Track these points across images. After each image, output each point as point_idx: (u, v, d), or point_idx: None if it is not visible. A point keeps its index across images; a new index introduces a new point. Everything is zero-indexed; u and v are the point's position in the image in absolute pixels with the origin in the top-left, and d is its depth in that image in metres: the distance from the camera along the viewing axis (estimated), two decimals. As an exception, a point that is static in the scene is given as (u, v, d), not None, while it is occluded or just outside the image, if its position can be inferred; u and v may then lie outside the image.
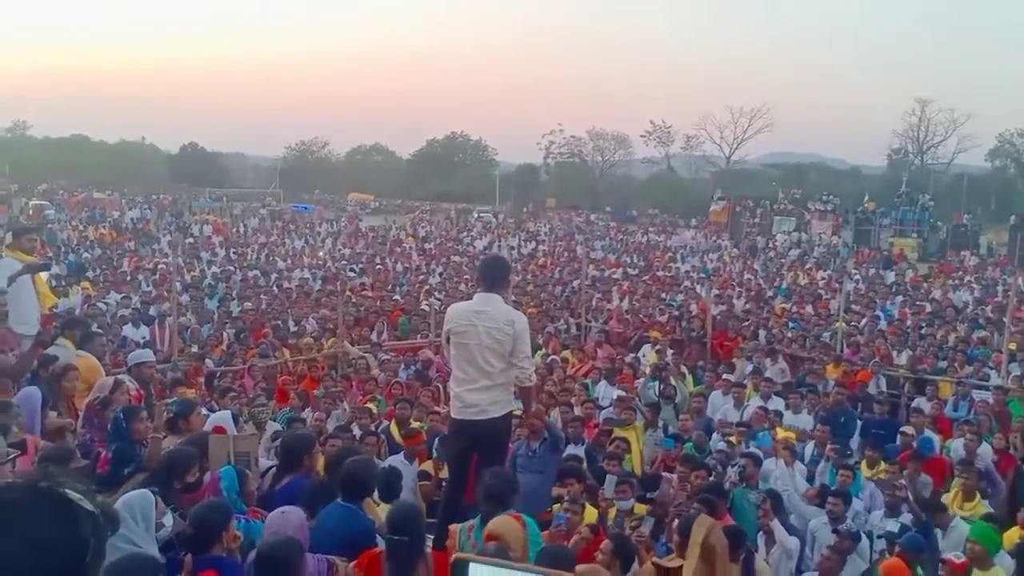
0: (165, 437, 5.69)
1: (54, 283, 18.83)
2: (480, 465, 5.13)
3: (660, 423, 9.67)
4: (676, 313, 17.09)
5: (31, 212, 38.63)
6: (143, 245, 31.02)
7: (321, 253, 29.71)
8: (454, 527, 4.89)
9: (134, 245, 30.79)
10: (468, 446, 5.37)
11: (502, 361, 5.27)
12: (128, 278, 21.37)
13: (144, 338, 14.18)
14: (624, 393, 10.58)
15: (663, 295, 20.06)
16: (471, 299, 5.79)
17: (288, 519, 4.12)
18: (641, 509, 6.27)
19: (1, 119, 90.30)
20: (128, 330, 14.60)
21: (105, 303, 17.01)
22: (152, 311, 16.05)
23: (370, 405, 9.99)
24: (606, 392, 11.32)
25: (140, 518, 3.98)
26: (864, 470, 8.57)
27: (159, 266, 22.92)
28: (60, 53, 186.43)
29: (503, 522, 4.13)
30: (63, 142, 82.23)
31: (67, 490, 1.40)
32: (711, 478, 7.37)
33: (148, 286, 19.95)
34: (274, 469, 5.34)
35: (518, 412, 6.21)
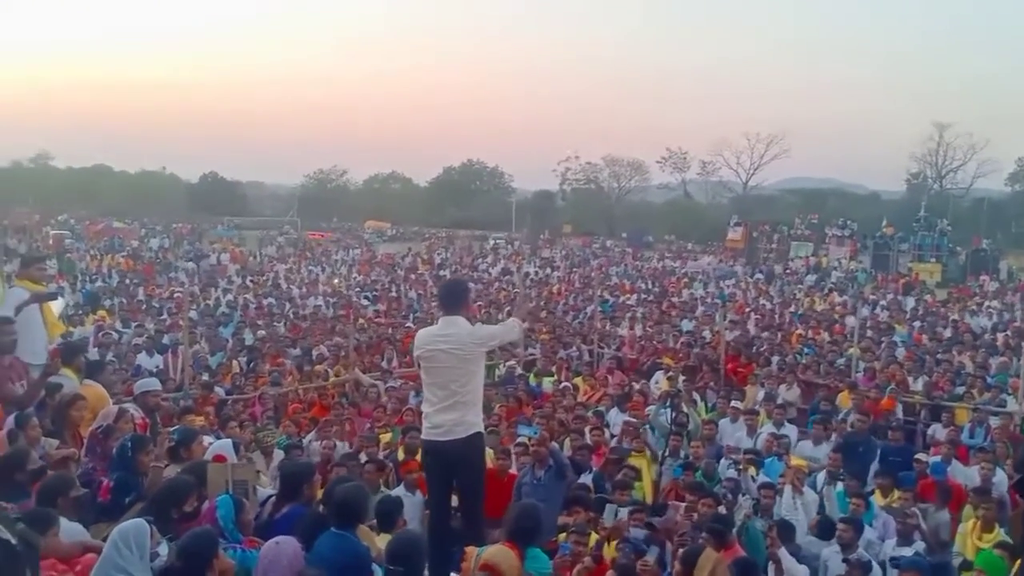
0: (167, 466, 5.68)
1: (71, 312, 19.04)
2: (459, 491, 5.23)
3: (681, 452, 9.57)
4: (689, 339, 16.99)
5: (51, 241, 39.01)
6: (159, 274, 31.29)
7: (335, 281, 29.83)
8: (471, 549, 4.87)
9: (156, 274, 31.08)
10: (442, 470, 5.50)
11: (467, 380, 5.47)
12: (144, 307, 21.52)
13: (158, 366, 14.25)
14: (632, 419, 10.51)
15: (676, 321, 19.95)
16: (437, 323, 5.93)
17: (282, 549, 4.08)
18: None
19: (25, 150, 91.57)
20: (142, 358, 14.66)
21: (119, 332, 17.11)
22: (166, 339, 16.13)
23: (387, 435, 9.94)
24: (617, 419, 11.24)
25: (135, 547, 3.94)
26: (878, 498, 8.43)
27: (175, 294, 23.07)
28: (82, 86, 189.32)
29: (498, 551, 4.09)
30: (85, 172, 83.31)
31: None
32: (720, 507, 7.27)
33: (163, 315, 20.06)
34: (273, 498, 5.31)
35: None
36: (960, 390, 12.78)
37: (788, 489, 7.94)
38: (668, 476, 8.96)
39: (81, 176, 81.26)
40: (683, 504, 7.35)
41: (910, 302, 26.84)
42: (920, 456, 9.50)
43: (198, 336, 16.10)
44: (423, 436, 5.72)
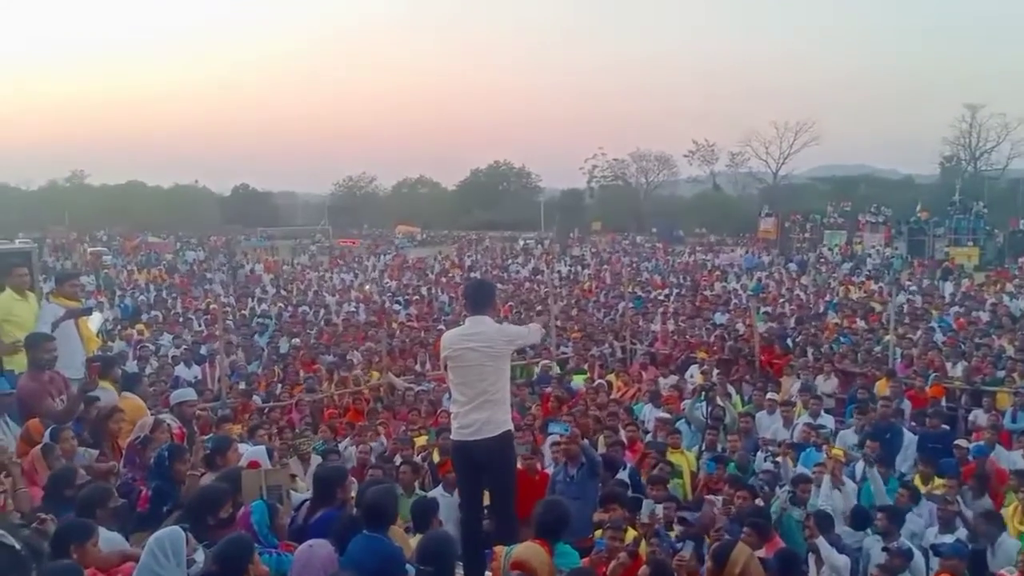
0: (203, 474, 5.77)
1: (109, 327, 19.38)
2: (490, 490, 5.20)
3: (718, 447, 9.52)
4: (722, 332, 16.87)
5: (88, 258, 39.68)
6: (195, 286, 31.73)
7: (367, 287, 30.03)
8: (500, 549, 4.89)
9: (192, 286, 31.52)
10: (473, 470, 5.48)
11: (495, 379, 5.47)
12: (181, 319, 21.84)
13: (196, 377, 14.46)
14: (666, 415, 10.45)
15: (709, 315, 19.82)
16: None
17: (315, 552, 4.13)
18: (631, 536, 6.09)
19: (60, 170, 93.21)
20: (180, 369, 14.89)
21: (157, 344, 17.39)
22: (203, 350, 16.35)
23: (421, 438, 10.01)
24: (651, 415, 11.20)
25: (171, 554, 4.01)
26: (919, 485, 8.31)
27: (211, 306, 23.40)
28: (113, 104, 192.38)
29: (527, 549, 4.09)
30: (119, 189, 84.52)
31: None
32: (756, 499, 7.21)
33: (200, 326, 20.34)
34: (307, 502, 5.37)
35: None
36: (1001, 374, 12.55)
37: (826, 479, 7.85)
38: (703, 470, 8.92)
39: (115, 193, 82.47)
40: (719, 498, 7.30)
41: (948, 287, 26.41)
42: (960, 442, 9.34)
43: (234, 346, 16.31)
44: (452, 436, 5.71)
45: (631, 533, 6.20)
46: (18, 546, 1.38)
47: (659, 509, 6.88)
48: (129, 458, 6.10)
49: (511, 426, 5.77)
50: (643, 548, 5.79)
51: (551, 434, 8.64)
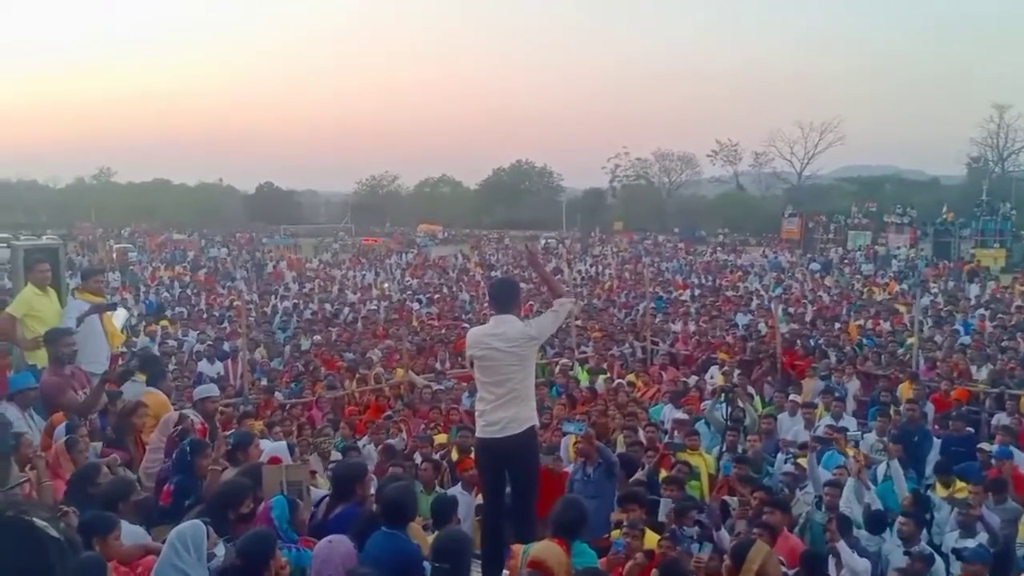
0: (225, 469, 5.83)
1: (134, 323, 19.57)
2: (513, 487, 5.19)
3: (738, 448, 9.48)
4: (743, 333, 16.79)
5: (115, 255, 40.08)
6: (219, 283, 31.99)
7: (387, 285, 30.12)
8: (517, 547, 4.90)
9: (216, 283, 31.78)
10: (496, 467, 5.47)
11: (520, 376, 5.46)
12: (205, 315, 22.02)
13: (219, 373, 14.58)
14: (684, 416, 10.42)
15: (729, 315, 19.73)
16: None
17: (335, 548, 4.17)
18: (652, 539, 6.07)
19: (88, 167, 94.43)
20: (203, 366, 15.01)
21: (181, 340, 17.56)
22: (226, 346, 16.48)
23: (441, 436, 10.05)
24: (671, 415, 11.17)
25: (192, 548, 4.06)
26: (939, 490, 8.24)
27: (234, 303, 23.56)
28: (141, 103, 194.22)
29: (545, 547, 4.10)
30: (145, 186, 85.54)
31: (33, 518, 1.45)
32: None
33: (224, 322, 20.50)
34: (327, 498, 5.41)
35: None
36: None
37: (850, 481, 7.79)
38: (720, 472, 8.89)
39: (142, 190, 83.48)
40: (735, 499, 7.28)
41: (974, 289, 26.12)
42: (983, 446, 9.24)
43: (257, 343, 16.41)
44: (478, 434, 5.69)
45: (649, 534, 6.19)
46: (62, 538, 1.40)
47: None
48: (168, 451, 6.17)
49: (536, 422, 5.77)
50: (655, 546, 5.79)
51: (566, 434, 8.66)
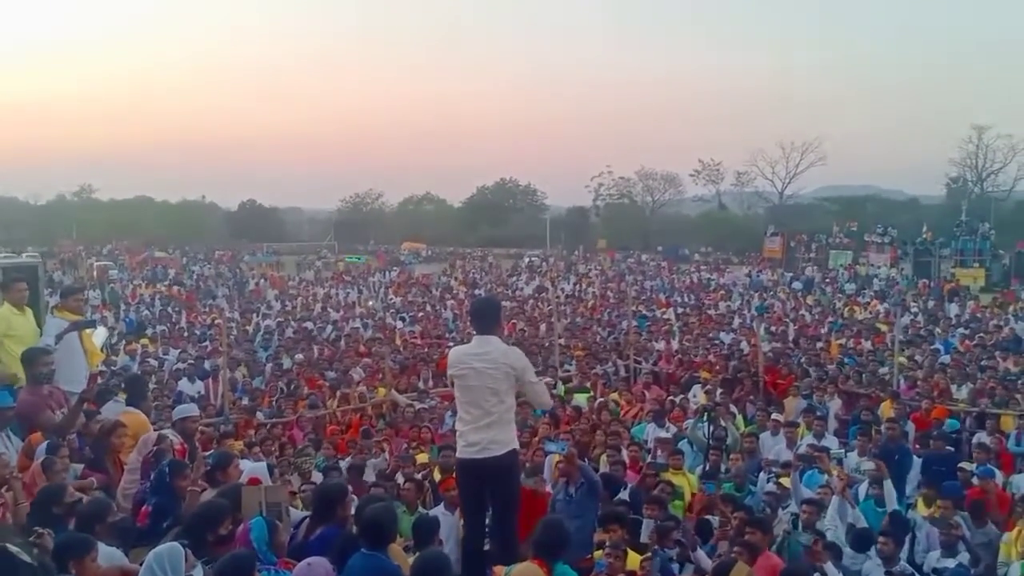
0: (204, 490, 5.77)
1: (114, 341, 19.42)
2: (494, 508, 5.18)
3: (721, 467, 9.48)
4: (726, 352, 16.84)
5: (95, 273, 39.76)
6: (200, 300, 31.80)
7: (371, 303, 30.02)
8: (499, 569, 4.87)
9: (197, 301, 31.57)
10: (477, 488, 5.47)
11: (501, 398, 5.46)
12: (185, 334, 21.87)
13: (199, 392, 14.48)
14: (666, 435, 10.42)
15: (712, 334, 19.80)
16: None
17: (314, 570, 4.13)
18: (634, 560, 6.05)
19: (69, 184, 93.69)
20: (184, 384, 14.91)
21: (162, 358, 17.42)
22: (207, 365, 16.37)
23: (423, 455, 10.00)
24: (655, 434, 11.17)
25: (170, 570, 4.01)
26: (921, 508, 8.27)
27: (215, 321, 23.41)
28: (122, 119, 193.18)
29: (525, 569, 4.09)
30: (127, 204, 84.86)
31: (6, 544, 1.43)
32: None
33: (205, 341, 20.36)
34: (307, 520, 5.36)
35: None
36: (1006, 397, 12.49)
37: (835, 500, 7.79)
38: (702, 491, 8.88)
39: (123, 207, 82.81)
40: (716, 518, 7.28)
41: (954, 308, 26.36)
42: (964, 465, 9.29)
43: (238, 361, 16.30)
44: (458, 455, 5.70)
45: (631, 555, 6.17)
46: (35, 563, 1.39)
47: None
48: (144, 472, 6.10)
49: (516, 445, 5.77)
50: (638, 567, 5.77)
51: (549, 453, 8.63)
